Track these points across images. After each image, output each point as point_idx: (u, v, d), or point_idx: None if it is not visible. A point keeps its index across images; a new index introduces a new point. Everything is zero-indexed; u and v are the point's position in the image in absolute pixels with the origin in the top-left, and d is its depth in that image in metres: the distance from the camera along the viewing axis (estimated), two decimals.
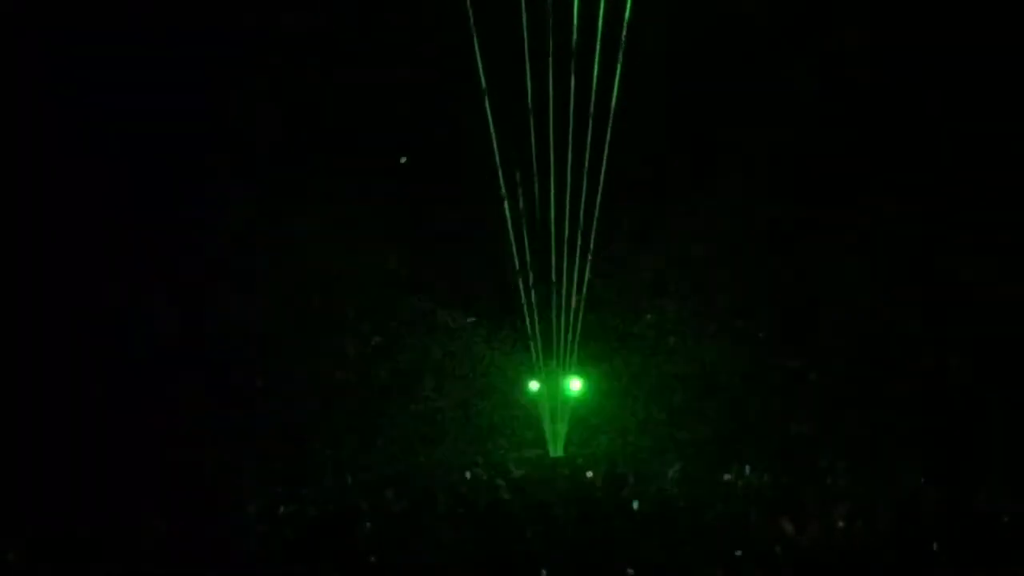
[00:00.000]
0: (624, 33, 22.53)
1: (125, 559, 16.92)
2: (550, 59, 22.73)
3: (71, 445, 21.16)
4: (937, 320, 23.07)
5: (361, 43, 25.02)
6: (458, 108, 23.90)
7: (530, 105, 22.88)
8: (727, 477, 20.16)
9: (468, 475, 21.51)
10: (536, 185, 23.52)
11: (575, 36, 22.75)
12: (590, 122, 22.98)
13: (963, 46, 22.96)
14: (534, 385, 24.49)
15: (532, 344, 24.14)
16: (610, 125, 22.92)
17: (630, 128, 23.20)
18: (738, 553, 16.60)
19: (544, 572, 16.42)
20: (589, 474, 21.17)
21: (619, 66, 22.78)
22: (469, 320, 25.86)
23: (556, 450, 24.52)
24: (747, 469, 20.44)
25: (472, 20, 22.39)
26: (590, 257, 23.41)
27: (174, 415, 22.55)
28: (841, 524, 17.03)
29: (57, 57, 23.44)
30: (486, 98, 22.94)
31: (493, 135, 23.01)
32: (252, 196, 24.79)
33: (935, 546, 16.22)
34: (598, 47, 22.65)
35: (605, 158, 23.06)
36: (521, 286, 23.86)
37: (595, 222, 23.41)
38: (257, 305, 24.72)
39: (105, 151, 23.80)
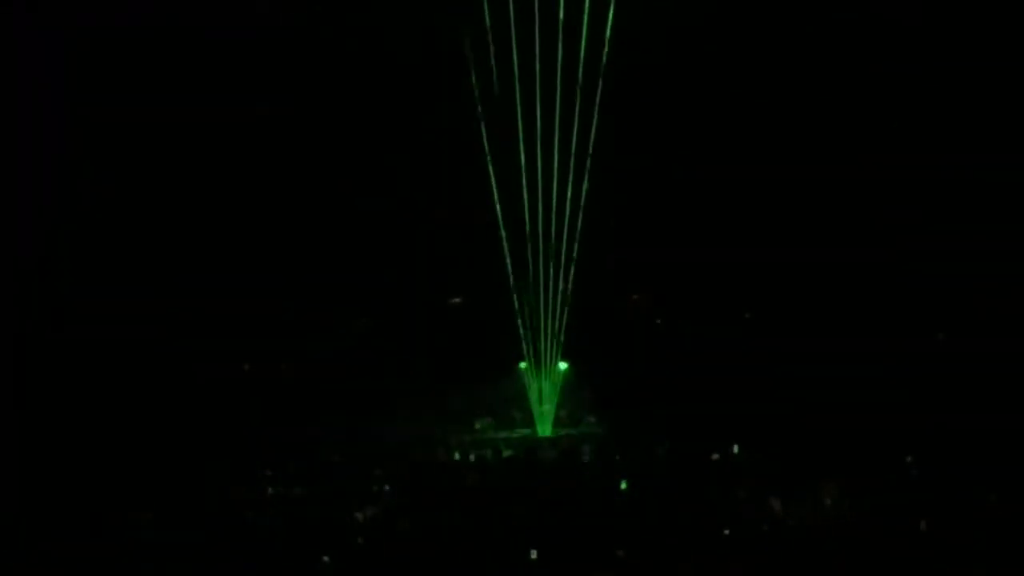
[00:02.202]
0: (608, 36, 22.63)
1: (116, 547, 16.89)
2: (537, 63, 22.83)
3: (56, 438, 21.11)
4: (925, 302, 23.13)
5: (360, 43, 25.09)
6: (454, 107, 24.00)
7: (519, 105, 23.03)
8: (715, 456, 20.14)
9: (456, 455, 21.48)
10: (524, 176, 23.58)
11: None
12: (576, 120, 23.07)
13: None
14: (522, 366, 24.51)
15: (521, 326, 24.15)
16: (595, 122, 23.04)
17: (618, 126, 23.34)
18: (726, 532, 16.60)
19: (533, 552, 16.40)
20: (583, 457, 21.14)
21: (602, 68, 22.85)
22: (455, 301, 25.84)
23: (544, 430, 24.53)
24: (735, 448, 20.44)
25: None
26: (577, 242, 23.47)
27: (161, 404, 22.54)
28: (828, 502, 17.04)
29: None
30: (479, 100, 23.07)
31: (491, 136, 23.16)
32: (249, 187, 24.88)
33: (923, 524, 16.24)
34: (583, 49, 22.77)
35: (591, 151, 23.17)
36: (510, 269, 23.86)
37: (583, 204, 23.44)
38: (248, 289, 24.71)
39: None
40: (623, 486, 19.04)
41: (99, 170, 24.30)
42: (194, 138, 24.79)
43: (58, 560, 16.75)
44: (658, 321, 25.06)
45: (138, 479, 19.63)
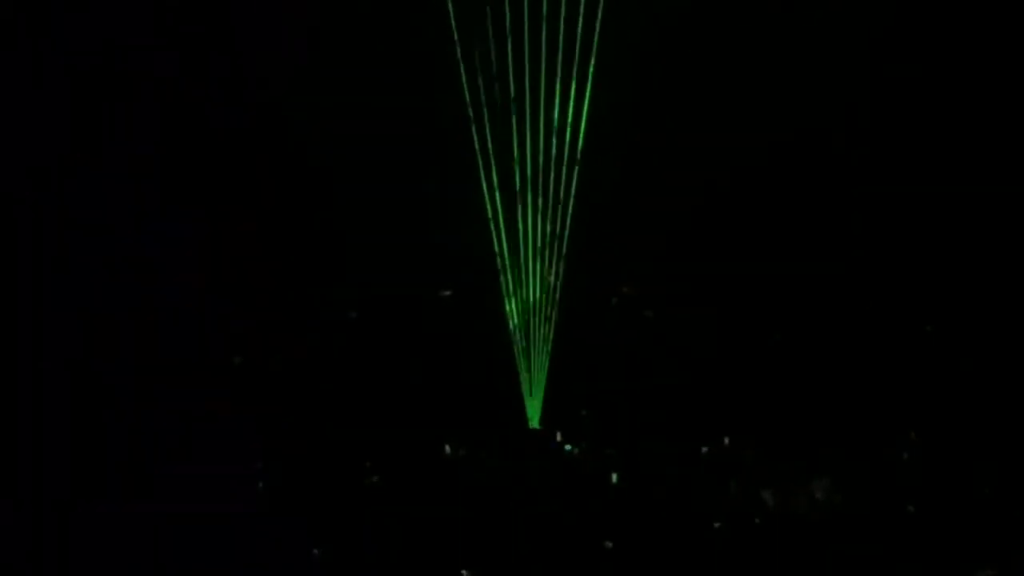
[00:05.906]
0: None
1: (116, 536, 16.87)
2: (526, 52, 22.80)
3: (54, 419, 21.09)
4: (922, 293, 23.14)
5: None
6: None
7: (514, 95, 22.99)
8: (705, 449, 20.17)
9: (448, 449, 21.49)
10: (516, 153, 23.56)
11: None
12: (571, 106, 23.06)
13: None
14: (511, 355, 24.49)
15: (509, 313, 24.13)
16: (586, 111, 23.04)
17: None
18: (717, 525, 16.62)
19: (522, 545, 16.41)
20: (568, 447, 21.17)
21: (592, 61, 22.85)
22: (444, 293, 25.79)
23: (533, 423, 24.52)
24: (726, 441, 20.47)
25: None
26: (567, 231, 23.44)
27: (157, 387, 22.50)
28: (819, 496, 17.06)
29: None
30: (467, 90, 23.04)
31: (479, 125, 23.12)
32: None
33: (911, 508, 16.28)
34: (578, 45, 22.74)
35: (582, 137, 23.16)
36: (499, 259, 23.83)
37: (574, 192, 23.44)
38: (237, 281, 24.68)
39: None
40: (613, 479, 19.06)
41: None
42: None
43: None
44: (648, 313, 25.05)
45: (142, 466, 19.65)
